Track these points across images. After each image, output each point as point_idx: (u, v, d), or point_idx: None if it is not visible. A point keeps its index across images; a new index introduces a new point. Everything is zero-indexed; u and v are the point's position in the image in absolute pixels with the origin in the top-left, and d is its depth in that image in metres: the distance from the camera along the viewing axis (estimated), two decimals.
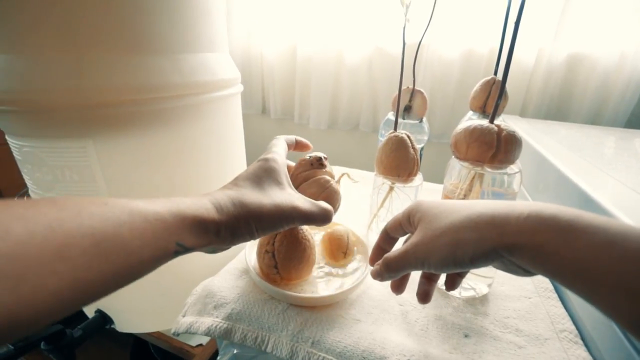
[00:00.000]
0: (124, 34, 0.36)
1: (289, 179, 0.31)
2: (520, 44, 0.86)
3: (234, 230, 0.24)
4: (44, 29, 0.33)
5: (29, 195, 0.82)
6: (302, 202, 0.28)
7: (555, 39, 0.86)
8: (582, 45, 0.84)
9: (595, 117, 0.87)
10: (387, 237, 0.34)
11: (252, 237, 0.26)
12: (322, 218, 0.29)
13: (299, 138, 0.37)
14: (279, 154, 0.31)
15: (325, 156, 0.38)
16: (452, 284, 0.31)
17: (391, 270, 0.30)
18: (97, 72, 0.35)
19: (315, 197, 0.33)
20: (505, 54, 0.47)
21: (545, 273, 0.20)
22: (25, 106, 0.35)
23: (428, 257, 0.26)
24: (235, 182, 0.27)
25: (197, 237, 0.22)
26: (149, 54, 0.37)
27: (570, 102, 0.89)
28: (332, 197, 0.35)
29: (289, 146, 0.36)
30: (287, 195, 0.28)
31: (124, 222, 0.17)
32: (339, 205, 0.36)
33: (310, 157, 0.37)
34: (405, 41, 0.40)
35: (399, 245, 0.31)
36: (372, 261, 0.35)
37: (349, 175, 0.40)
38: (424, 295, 0.32)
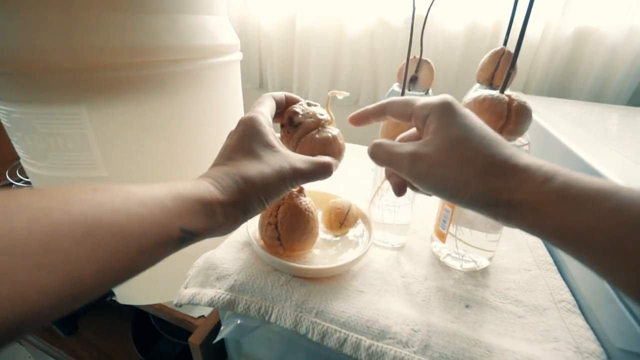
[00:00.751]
0: None
1: (279, 139, 0.28)
2: (526, 11, 0.83)
3: (244, 207, 0.23)
4: None
5: (20, 170, 0.79)
6: (300, 162, 0.26)
7: (564, 12, 0.83)
8: (591, 19, 0.82)
9: (598, 95, 0.86)
10: (381, 112, 0.29)
11: (263, 209, 0.25)
12: (322, 173, 0.28)
13: (289, 94, 0.33)
14: (262, 112, 0.28)
15: (308, 103, 0.33)
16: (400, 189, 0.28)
17: (376, 158, 0.28)
18: (89, 31, 0.33)
19: (313, 155, 0.30)
20: (517, 23, 0.45)
21: (539, 233, 0.20)
22: (12, 67, 0.33)
23: (424, 177, 0.24)
24: (227, 156, 0.25)
25: (204, 221, 0.20)
26: (144, 13, 0.35)
27: (574, 79, 0.88)
28: (329, 149, 0.31)
29: (278, 105, 0.32)
30: (284, 158, 0.26)
31: (118, 208, 0.16)
32: (341, 152, 0.33)
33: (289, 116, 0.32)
34: (410, 13, 0.38)
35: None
36: (353, 119, 0.31)
37: (336, 94, 0.35)
38: (400, 186, 0.28)
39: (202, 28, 0.39)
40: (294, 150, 0.31)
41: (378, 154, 0.27)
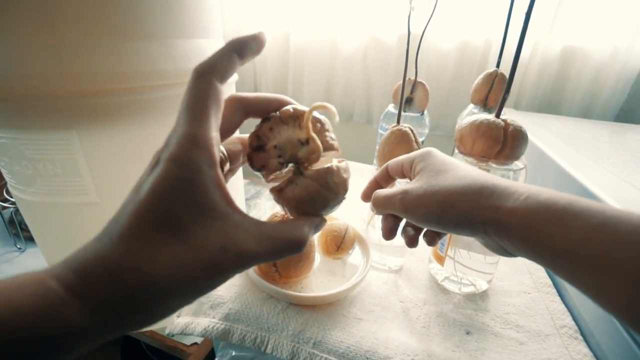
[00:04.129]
0: (109, 15, 0.33)
1: (225, 189, 0.16)
2: (516, 37, 0.85)
3: (129, 325, 0.14)
4: (18, 8, 0.30)
5: (7, 190, 0.77)
6: (249, 237, 0.16)
7: (550, 32, 0.86)
8: (577, 39, 0.85)
9: (587, 111, 0.88)
10: (386, 175, 0.31)
11: (182, 307, 0.16)
12: (286, 252, 0.17)
13: (271, 95, 0.20)
14: (203, 140, 0.15)
15: (292, 113, 0.19)
16: (431, 239, 0.28)
17: (376, 206, 0.28)
18: (81, 57, 0.32)
19: (298, 211, 0.20)
20: (509, 44, 0.46)
21: (528, 253, 0.19)
22: (1, 94, 0.32)
23: (414, 208, 0.24)
24: (126, 226, 0.14)
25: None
26: (137, 38, 0.34)
27: (563, 96, 0.90)
28: (318, 201, 0.20)
29: (266, 110, 0.20)
30: (227, 232, 0.15)
31: None
32: (338, 194, 0.20)
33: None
34: (403, 31, 0.39)
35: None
36: (365, 195, 0.31)
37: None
38: (388, 231, 0.28)
39: (197, 52, 0.39)
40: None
41: (376, 201, 0.28)
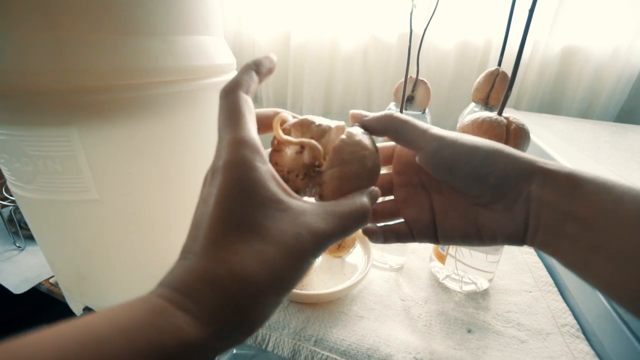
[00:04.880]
0: (110, 12, 0.33)
1: (280, 180, 0.17)
2: (517, 36, 0.85)
3: (244, 329, 0.15)
4: (19, 3, 0.30)
5: (6, 188, 0.77)
6: (317, 218, 0.16)
7: (551, 32, 0.86)
8: (577, 39, 0.85)
9: (587, 111, 0.88)
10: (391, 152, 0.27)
11: (280, 303, 0.16)
12: (351, 224, 0.17)
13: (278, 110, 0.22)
14: (250, 142, 0.16)
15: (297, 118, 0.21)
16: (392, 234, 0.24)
17: (390, 121, 0.21)
18: (81, 53, 0.32)
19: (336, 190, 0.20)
20: (510, 43, 0.46)
21: (571, 213, 0.17)
22: (0, 89, 0.32)
23: (457, 146, 0.20)
24: (206, 238, 0.15)
25: None
26: (138, 35, 0.34)
27: (563, 96, 0.90)
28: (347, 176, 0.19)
29: (264, 123, 0.21)
30: (296, 219, 0.16)
31: None
32: (364, 158, 0.20)
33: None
34: (403, 30, 0.39)
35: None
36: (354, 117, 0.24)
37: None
38: (370, 232, 0.24)
39: (198, 49, 0.39)
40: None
41: (397, 126, 0.21)
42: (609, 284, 0.17)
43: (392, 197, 0.26)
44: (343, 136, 0.20)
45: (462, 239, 0.22)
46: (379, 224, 0.25)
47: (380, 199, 0.25)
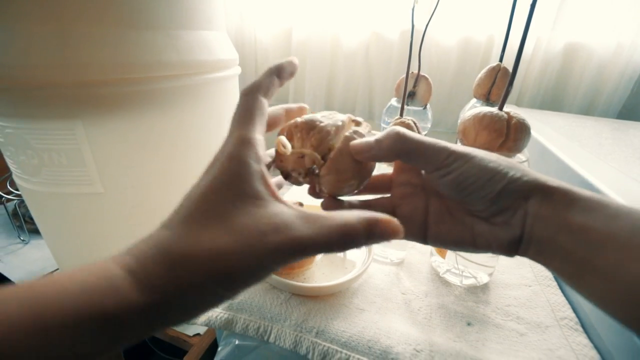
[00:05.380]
0: (114, 6, 0.33)
1: (270, 181, 0.18)
2: (519, 32, 0.85)
3: (183, 304, 0.15)
4: None
5: (11, 182, 0.78)
6: (300, 222, 0.16)
7: (554, 28, 0.85)
8: (580, 35, 0.84)
9: (589, 108, 0.88)
10: None
11: (222, 302, 0.16)
12: (338, 243, 0.16)
13: (291, 106, 0.24)
14: (253, 141, 0.18)
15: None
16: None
17: (403, 145, 0.20)
18: (86, 47, 0.33)
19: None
20: (511, 40, 0.46)
21: (567, 228, 0.18)
22: (7, 83, 0.32)
23: (468, 157, 0.20)
24: (184, 214, 0.16)
25: (99, 340, 0.13)
26: (142, 29, 0.34)
27: (565, 92, 0.89)
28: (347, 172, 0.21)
29: (273, 122, 0.23)
30: (266, 218, 0.16)
31: None
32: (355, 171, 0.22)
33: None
34: (405, 26, 0.39)
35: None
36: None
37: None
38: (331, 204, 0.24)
39: (201, 43, 0.39)
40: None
41: (407, 140, 0.20)
42: (600, 298, 0.17)
43: (388, 195, 0.26)
44: (339, 145, 0.21)
45: (455, 244, 0.22)
46: None
47: (379, 196, 0.26)
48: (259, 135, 0.18)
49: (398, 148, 0.20)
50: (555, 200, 0.18)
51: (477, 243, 0.21)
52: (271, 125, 0.23)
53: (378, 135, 0.21)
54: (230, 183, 0.16)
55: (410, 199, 0.24)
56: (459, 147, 0.21)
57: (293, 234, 0.15)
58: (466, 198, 0.21)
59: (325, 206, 0.24)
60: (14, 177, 0.41)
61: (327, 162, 0.21)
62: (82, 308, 0.13)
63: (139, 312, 0.14)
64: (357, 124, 0.24)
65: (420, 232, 0.23)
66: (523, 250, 0.20)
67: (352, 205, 0.24)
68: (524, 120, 0.34)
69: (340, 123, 0.22)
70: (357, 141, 0.21)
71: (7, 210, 0.76)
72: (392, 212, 0.25)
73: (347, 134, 0.22)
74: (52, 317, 0.12)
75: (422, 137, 0.21)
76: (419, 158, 0.21)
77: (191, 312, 0.15)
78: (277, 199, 0.17)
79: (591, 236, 0.17)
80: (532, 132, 0.32)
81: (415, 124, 0.40)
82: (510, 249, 0.20)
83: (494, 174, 0.19)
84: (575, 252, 0.17)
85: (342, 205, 0.23)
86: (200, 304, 0.15)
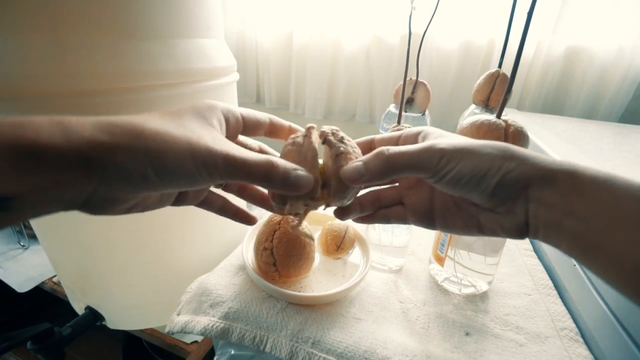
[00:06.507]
0: (111, 15, 0.33)
1: (223, 129, 0.21)
2: (519, 37, 0.84)
3: (106, 165, 0.15)
4: (18, 7, 0.30)
5: None
6: (229, 144, 0.19)
7: (555, 31, 0.85)
8: (581, 39, 0.84)
9: (591, 112, 0.87)
10: (367, 148, 0.26)
11: (146, 185, 0.17)
12: (256, 169, 0.18)
13: (275, 118, 0.25)
14: (227, 104, 0.22)
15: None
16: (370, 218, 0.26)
17: (394, 165, 0.20)
18: (83, 57, 0.33)
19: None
20: (511, 45, 0.45)
21: (571, 215, 0.17)
22: (2, 92, 0.32)
23: (460, 157, 0.19)
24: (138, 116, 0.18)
25: (19, 173, 0.13)
26: (139, 38, 0.34)
27: (567, 96, 0.89)
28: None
29: (253, 122, 0.24)
30: (215, 135, 0.19)
31: None
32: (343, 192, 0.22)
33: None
34: (406, 31, 0.39)
35: None
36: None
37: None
38: (344, 212, 0.25)
39: (199, 52, 0.39)
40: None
41: (394, 160, 0.20)
42: (611, 278, 0.17)
43: (397, 184, 0.27)
44: (330, 171, 0.22)
45: (462, 230, 0.23)
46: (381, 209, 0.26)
47: (388, 186, 0.27)
48: (238, 108, 0.23)
49: (389, 169, 0.20)
50: (559, 185, 0.18)
51: (484, 230, 0.22)
52: (252, 128, 0.24)
53: (365, 158, 0.21)
54: (196, 109, 0.20)
55: (416, 189, 0.25)
56: (449, 142, 0.20)
57: (228, 149, 0.18)
58: (465, 195, 0.21)
59: (339, 215, 0.25)
60: None
61: (328, 190, 0.22)
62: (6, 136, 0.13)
63: (58, 151, 0.14)
64: (324, 135, 0.22)
65: (427, 220, 0.24)
66: (532, 234, 0.20)
67: (359, 198, 0.25)
68: (521, 128, 0.34)
69: (300, 140, 0.22)
70: (348, 169, 0.21)
71: None
72: (400, 202, 0.26)
73: (333, 154, 0.22)
74: None
75: (407, 148, 0.20)
76: (412, 171, 0.20)
77: (114, 173, 0.15)
78: (227, 137, 0.20)
79: (597, 222, 0.17)
80: (533, 136, 0.32)
81: None
82: (518, 234, 0.21)
83: (487, 169, 0.19)
84: (583, 236, 0.17)
85: (350, 211, 0.25)
86: (124, 174, 0.16)
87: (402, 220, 0.26)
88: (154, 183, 0.17)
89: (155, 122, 0.17)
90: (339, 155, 0.21)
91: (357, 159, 0.21)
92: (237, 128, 0.23)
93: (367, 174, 0.20)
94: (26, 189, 0.13)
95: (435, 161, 0.20)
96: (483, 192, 0.20)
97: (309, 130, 0.22)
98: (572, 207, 0.18)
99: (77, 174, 0.14)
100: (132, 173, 0.16)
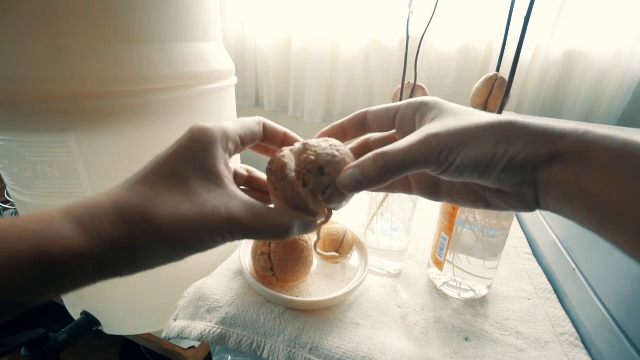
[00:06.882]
0: (108, 19, 0.33)
1: (229, 167, 0.20)
2: (517, 41, 0.84)
3: (129, 263, 0.16)
4: (17, 12, 0.30)
5: (7, 193, 0.78)
6: (241, 207, 0.18)
7: (552, 35, 0.85)
8: (579, 43, 0.84)
9: (589, 115, 0.87)
10: (360, 124, 0.25)
11: (165, 263, 0.17)
12: (272, 233, 0.19)
13: (269, 126, 0.23)
14: (224, 129, 0.19)
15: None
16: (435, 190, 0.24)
17: (394, 169, 0.19)
18: (80, 60, 0.33)
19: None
20: (509, 48, 0.46)
21: (581, 196, 0.17)
22: (0, 97, 0.32)
23: (461, 146, 0.18)
24: (144, 178, 0.17)
25: (40, 285, 0.14)
26: (137, 42, 0.34)
27: (565, 99, 0.89)
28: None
29: (250, 138, 0.22)
30: (224, 197, 0.18)
31: None
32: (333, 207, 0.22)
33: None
34: (407, 34, 0.39)
35: None
36: (326, 134, 0.24)
37: None
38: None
39: (196, 55, 0.39)
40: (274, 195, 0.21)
41: (396, 161, 0.19)
42: (627, 248, 0.16)
43: None
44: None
45: (468, 205, 0.22)
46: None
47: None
48: (233, 130, 0.20)
49: (389, 173, 0.19)
50: (569, 162, 0.17)
51: (491, 205, 0.21)
52: (249, 143, 0.22)
53: (361, 163, 0.19)
54: (196, 156, 0.18)
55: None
56: (446, 126, 0.19)
57: (241, 218, 0.18)
58: (470, 181, 0.20)
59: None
60: (8, 189, 0.41)
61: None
62: (20, 252, 0.13)
63: (86, 259, 0.14)
64: (300, 177, 0.21)
65: (433, 193, 0.23)
66: (543, 208, 0.19)
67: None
68: None
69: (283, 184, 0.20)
70: (344, 178, 0.20)
71: None
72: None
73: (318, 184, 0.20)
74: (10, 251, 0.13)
75: (403, 146, 0.19)
76: (413, 170, 0.19)
77: (139, 267, 0.16)
78: (233, 183, 0.19)
79: (611, 197, 0.16)
80: None
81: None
82: (527, 209, 0.20)
83: (492, 157, 0.18)
84: (595, 212, 0.17)
85: None
86: (150, 262, 0.17)
87: (407, 190, 0.25)
88: (172, 259, 0.17)
89: (166, 203, 0.16)
90: (325, 177, 0.20)
91: (351, 165, 0.20)
92: (236, 151, 0.22)
93: (366, 181, 0.19)
94: (51, 295, 0.14)
95: (435, 156, 0.18)
96: (489, 179, 0.19)
97: (283, 171, 0.20)
98: (582, 185, 0.17)
99: (97, 276, 0.15)
100: (154, 262, 0.17)
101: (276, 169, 0.20)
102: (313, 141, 0.22)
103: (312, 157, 0.20)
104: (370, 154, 0.19)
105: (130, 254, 0.16)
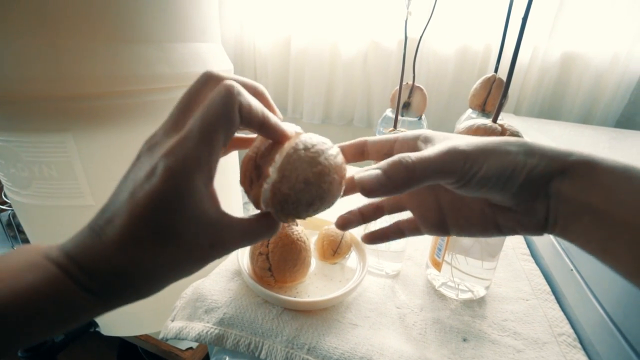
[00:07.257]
0: (107, 20, 0.33)
1: (217, 200, 0.18)
2: (515, 42, 0.84)
3: (118, 304, 0.17)
4: (15, 11, 0.30)
5: (4, 194, 0.77)
6: (235, 234, 0.18)
7: (550, 37, 0.86)
8: (577, 45, 0.85)
9: (587, 117, 0.87)
10: (359, 151, 0.25)
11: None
12: (260, 239, 0.20)
13: (259, 87, 0.20)
14: (207, 160, 0.16)
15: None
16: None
17: (420, 174, 0.18)
18: (78, 60, 0.33)
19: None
20: (507, 50, 0.46)
21: (587, 207, 0.17)
22: None
23: (484, 157, 0.18)
24: (122, 230, 0.15)
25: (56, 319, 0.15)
26: (135, 42, 0.34)
27: (563, 101, 0.89)
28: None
29: (243, 142, 0.21)
30: (215, 232, 0.17)
31: None
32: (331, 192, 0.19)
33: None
34: (405, 35, 0.39)
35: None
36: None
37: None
38: (345, 223, 0.25)
39: (195, 55, 0.39)
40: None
41: (416, 169, 0.18)
42: (628, 273, 0.17)
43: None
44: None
45: (478, 233, 0.22)
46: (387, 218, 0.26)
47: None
48: (217, 155, 0.16)
49: (413, 178, 0.18)
50: (577, 177, 0.18)
51: (502, 229, 0.21)
52: (238, 144, 0.22)
53: (384, 166, 0.19)
54: (179, 205, 0.15)
55: (417, 194, 0.24)
56: (465, 142, 0.19)
57: (234, 242, 0.18)
58: (487, 196, 0.20)
59: (341, 226, 0.25)
60: (5, 189, 0.41)
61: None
62: (39, 318, 0.15)
63: (85, 312, 0.16)
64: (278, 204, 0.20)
65: (439, 226, 0.23)
66: (550, 230, 0.19)
67: (361, 208, 0.26)
68: (517, 132, 0.34)
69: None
70: (366, 179, 0.18)
71: (0, 221, 0.76)
72: (402, 208, 0.26)
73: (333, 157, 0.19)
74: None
75: (427, 154, 0.18)
76: (437, 179, 0.19)
77: (134, 301, 0.17)
78: (221, 213, 0.18)
79: (616, 214, 0.16)
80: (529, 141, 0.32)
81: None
82: (537, 230, 0.20)
83: (513, 168, 0.18)
84: (600, 229, 0.17)
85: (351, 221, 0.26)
86: (146, 296, 0.18)
87: (416, 231, 0.25)
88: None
89: (157, 259, 0.16)
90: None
91: (374, 166, 0.19)
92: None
93: (390, 184, 0.18)
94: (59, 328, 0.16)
95: (460, 165, 0.18)
96: (508, 192, 0.19)
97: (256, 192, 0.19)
98: (589, 201, 0.17)
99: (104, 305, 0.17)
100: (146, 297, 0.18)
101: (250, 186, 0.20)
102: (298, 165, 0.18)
103: (286, 191, 0.18)
104: (394, 157, 0.19)
105: (131, 298, 0.17)
